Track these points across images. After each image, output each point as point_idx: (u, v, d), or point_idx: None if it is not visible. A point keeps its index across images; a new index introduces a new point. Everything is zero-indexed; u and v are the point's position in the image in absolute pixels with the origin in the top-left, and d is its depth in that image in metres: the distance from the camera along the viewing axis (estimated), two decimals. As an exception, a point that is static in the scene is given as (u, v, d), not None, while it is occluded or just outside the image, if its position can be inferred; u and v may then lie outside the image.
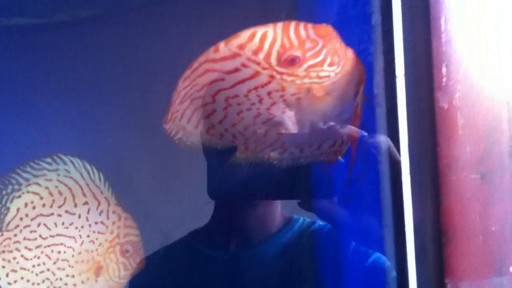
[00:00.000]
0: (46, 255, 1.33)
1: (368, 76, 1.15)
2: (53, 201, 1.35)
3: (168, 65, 1.56)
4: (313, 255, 1.48)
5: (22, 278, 1.33)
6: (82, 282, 1.35)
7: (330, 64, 1.14)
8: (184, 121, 1.26)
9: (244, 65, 1.16)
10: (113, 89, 1.75)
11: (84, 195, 1.36)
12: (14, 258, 1.33)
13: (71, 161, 1.36)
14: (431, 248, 0.97)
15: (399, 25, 1.02)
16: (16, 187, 1.34)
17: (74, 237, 1.34)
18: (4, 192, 1.34)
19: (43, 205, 1.34)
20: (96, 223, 1.35)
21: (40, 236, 1.33)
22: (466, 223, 0.93)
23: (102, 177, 1.37)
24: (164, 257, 1.53)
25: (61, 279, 1.34)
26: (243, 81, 1.17)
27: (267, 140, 1.24)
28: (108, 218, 1.36)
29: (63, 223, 1.34)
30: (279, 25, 1.14)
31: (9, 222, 1.34)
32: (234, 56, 1.16)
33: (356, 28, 1.26)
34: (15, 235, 1.33)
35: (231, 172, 1.29)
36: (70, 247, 1.34)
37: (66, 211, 1.35)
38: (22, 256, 1.33)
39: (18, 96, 1.75)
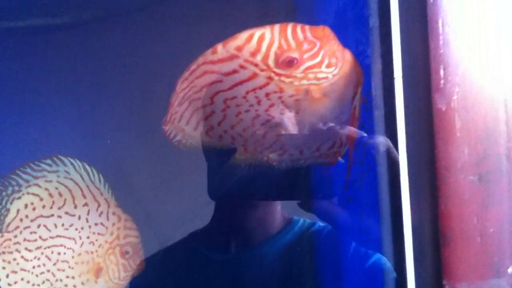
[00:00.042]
0: (46, 256, 1.34)
1: (366, 78, 1.15)
2: (53, 202, 1.35)
3: (168, 67, 1.57)
4: (313, 256, 1.48)
5: (22, 279, 1.33)
6: (82, 283, 1.35)
7: (328, 66, 1.14)
8: (183, 123, 1.26)
9: (242, 67, 1.16)
10: (114, 90, 1.75)
11: (84, 196, 1.36)
12: (14, 259, 1.33)
13: (71, 163, 1.36)
14: (429, 249, 0.97)
15: (396, 28, 1.02)
16: (16, 188, 1.34)
17: (74, 239, 1.35)
18: (4, 193, 1.34)
19: (43, 207, 1.35)
20: (96, 224, 1.36)
21: (40, 237, 1.34)
22: (464, 225, 0.93)
23: (102, 178, 1.37)
24: (164, 258, 1.53)
25: (61, 280, 1.34)
26: (241, 82, 1.17)
27: (266, 141, 1.24)
28: (108, 219, 1.36)
29: (63, 225, 1.34)
30: (277, 27, 1.14)
31: (9, 223, 1.34)
32: (232, 57, 1.16)
33: (354, 30, 1.26)
34: (15, 236, 1.34)
35: (231, 173, 1.29)
36: (70, 248, 1.34)
37: (66, 213, 1.35)
38: (22, 257, 1.33)
39: (18, 97, 1.75)
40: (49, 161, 1.35)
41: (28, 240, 1.33)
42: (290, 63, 1.14)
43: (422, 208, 0.98)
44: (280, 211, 1.50)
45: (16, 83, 1.74)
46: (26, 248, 1.33)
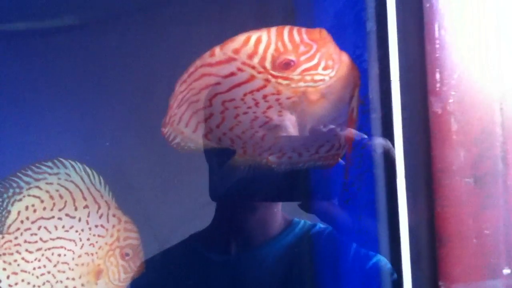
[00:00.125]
0: (46, 258, 1.34)
1: (363, 82, 1.16)
2: (54, 204, 1.35)
3: (168, 68, 1.57)
4: (314, 258, 1.49)
5: (23, 280, 1.34)
6: (82, 285, 1.35)
7: (325, 68, 1.14)
8: (182, 125, 1.27)
9: (239, 69, 1.16)
10: (114, 92, 1.75)
11: (85, 198, 1.36)
12: (15, 260, 1.34)
13: (72, 165, 1.36)
14: (425, 251, 0.97)
15: (394, 32, 1.02)
16: (17, 190, 1.35)
17: (74, 240, 1.35)
18: (5, 195, 1.34)
19: (44, 208, 1.35)
20: (96, 226, 1.36)
21: (40, 239, 1.34)
22: (460, 227, 0.93)
23: (102, 180, 1.37)
24: (164, 259, 1.53)
25: (61, 281, 1.34)
26: (239, 85, 1.18)
27: (265, 144, 1.24)
28: (108, 221, 1.37)
29: (63, 226, 1.35)
30: (273, 30, 1.15)
31: (10, 225, 1.34)
32: (230, 60, 1.16)
33: (352, 34, 1.27)
34: (16, 238, 1.34)
35: (231, 174, 1.30)
36: (71, 250, 1.35)
37: (67, 215, 1.35)
38: (23, 258, 1.34)
39: (19, 99, 1.75)
40: (50, 164, 1.36)
41: (29, 242, 1.34)
42: (287, 65, 1.14)
43: (418, 210, 0.99)
44: (280, 212, 1.50)
45: (16, 85, 1.74)
46: (26, 250, 1.34)
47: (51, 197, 1.35)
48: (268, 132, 1.22)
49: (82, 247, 1.35)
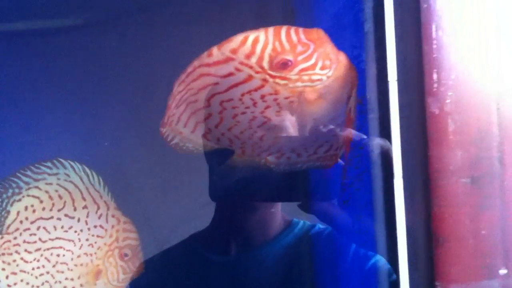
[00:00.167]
0: (45, 258, 1.34)
1: (361, 82, 1.16)
2: (53, 204, 1.35)
3: (168, 69, 1.57)
4: (313, 258, 1.49)
5: (21, 280, 1.34)
6: (81, 285, 1.35)
7: (322, 68, 1.14)
8: (180, 125, 1.27)
9: (237, 69, 1.16)
10: (113, 92, 1.75)
11: (84, 199, 1.36)
12: (14, 260, 1.34)
13: (71, 166, 1.36)
14: (422, 251, 0.97)
15: (391, 32, 1.02)
16: (17, 190, 1.35)
17: (73, 241, 1.35)
18: (4, 195, 1.34)
19: (43, 209, 1.35)
20: (95, 226, 1.36)
21: (39, 239, 1.34)
22: (457, 227, 0.93)
23: (101, 181, 1.37)
24: (164, 260, 1.53)
25: (60, 282, 1.34)
26: (236, 85, 1.18)
27: (264, 144, 1.24)
28: (107, 222, 1.37)
29: (62, 227, 1.35)
30: (271, 30, 1.15)
31: (9, 225, 1.34)
32: (227, 60, 1.16)
33: (350, 35, 1.27)
34: (15, 238, 1.34)
35: (230, 174, 1.30)
36: (70, 250, 1.35)
37: (66, 215, 1.35)
38: (22, 258, 1.34)
39: (19, 99, 1.76)
40: (49, 164, 1.36)
41: (28, 242, 1.34)
42: (284, 65, 1.14)
43: (416, 210, 0.99)
44: (280, 213, 1.50)
45: (16, 85, 1.74)
46: (25, 250, 1.34)
47: (50, 197, 1.35)
48: (266, 132, 1.22)
49: (81, 247, 1.35)
